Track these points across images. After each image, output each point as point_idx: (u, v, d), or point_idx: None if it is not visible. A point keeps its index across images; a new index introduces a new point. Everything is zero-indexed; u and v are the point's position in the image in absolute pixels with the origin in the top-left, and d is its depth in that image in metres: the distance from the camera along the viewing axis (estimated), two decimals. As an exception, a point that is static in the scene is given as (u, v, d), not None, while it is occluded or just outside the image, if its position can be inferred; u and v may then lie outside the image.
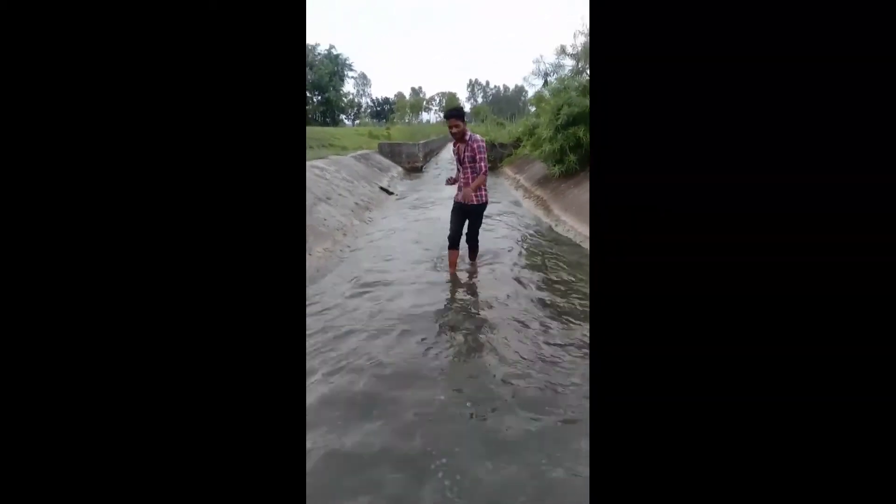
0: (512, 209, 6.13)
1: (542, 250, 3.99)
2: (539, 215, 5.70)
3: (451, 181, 3.43)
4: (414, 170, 11.83)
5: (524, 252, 3.96)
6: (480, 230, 3.53)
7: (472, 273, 3.45)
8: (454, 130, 3.20)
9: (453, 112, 3.23)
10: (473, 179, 3.25)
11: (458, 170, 3.39)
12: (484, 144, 3.30)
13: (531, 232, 4.76)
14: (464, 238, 3.54)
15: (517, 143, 11.03)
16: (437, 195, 7.32)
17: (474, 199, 3.37)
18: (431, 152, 15.16)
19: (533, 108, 11.98)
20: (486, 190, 3.39)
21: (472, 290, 3.08)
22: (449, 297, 2.96)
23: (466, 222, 3.46)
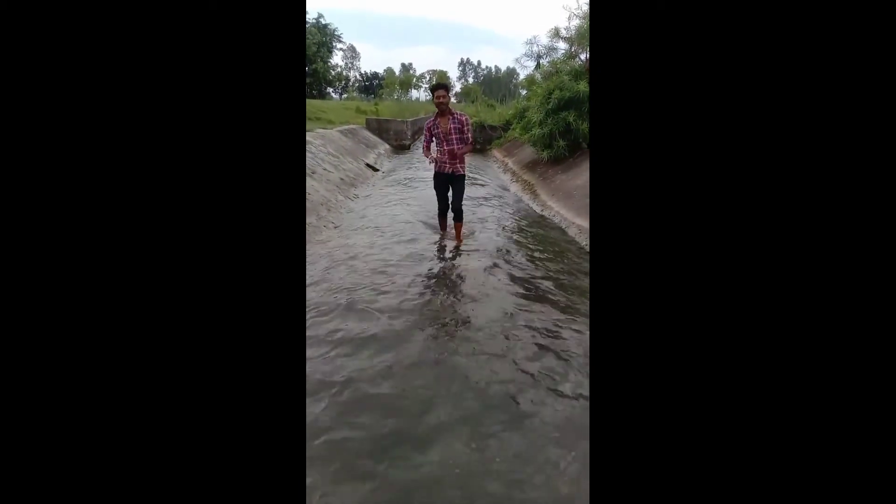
0: (499, 193, 6.13)
1: (525, 234, 4.02)
2: (526, 200, 5.72)
3: (435, 160, 3.54)
4: (401, 147, 11.66)
5: (506, 235, 3.98)
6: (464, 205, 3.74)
7: (457, 242, 3.66)
8: (441, 100, 3.32)
9: (441, 84, 3.36)
10: (459, 152, 3.44)
11: (438, 145, 3.53)
12: (469, 119, 3.48)
13: (518, 214, 4.77)
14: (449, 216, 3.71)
15: (507, 125, 10.95)
16: (426, 174, 7.23)
17: (460, 168, 3.58)
18: (420, 130, 14.91)
19: (524, 91, 11.85)
20: (464, 163, 3.62)
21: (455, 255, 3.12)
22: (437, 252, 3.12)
23: (450, 193, 3.65)
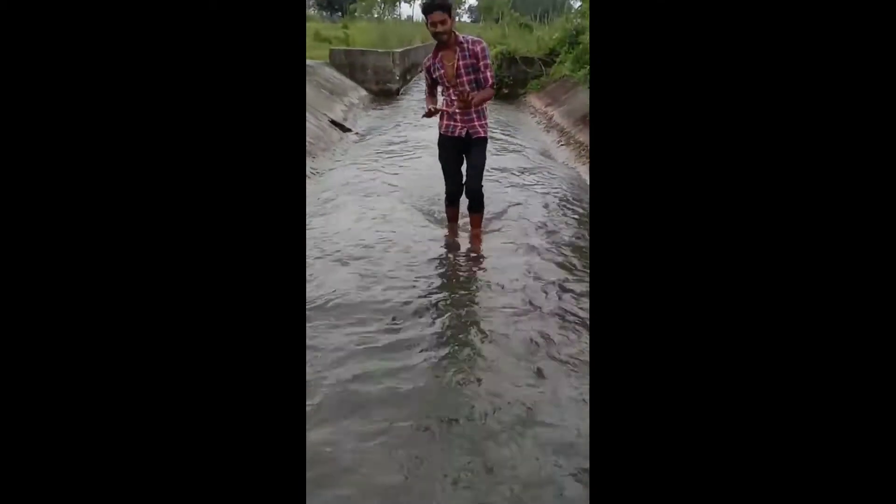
0: (540, 163, 6.05)
1: (585, 230, 3.92)
2: (583, 172, 5.62)
3: (432, 112, 3.33)
4: (385, 93, 11.62)
5: (556, 234, 3.90)
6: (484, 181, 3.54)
7: (475, 252, 3.49)
8: (439, 29, 3.14)
9: (437, 1, 3.10)
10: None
11: (444, 93, 3.40)
12: (487, 47, 3.30)
13: (571, 200, 4.68)
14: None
15: (551, 57, 10.91)
16: (422, 134, 7.18)
17: (479, 127, 3.41)
18: (414, 67, 14.91)
19: (578, 3, 11.82)
20: (486, 118, 3.47)
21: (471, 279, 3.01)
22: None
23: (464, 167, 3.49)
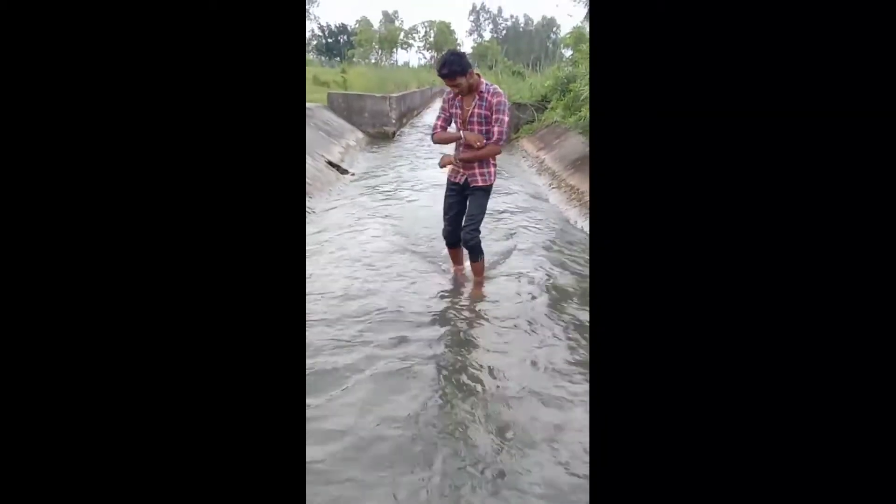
0: (533, 205, 6.17)
1: (578, 274, 4.00)
2: (573, 216, 5.74)
3: (446, 163, 3.37)
4: (382, 136, 11.86)
5: (549, 278, 3.97)
6: (483, 225, 3.51)
7: (475, 301, 3.44)
8: (456, 88, 3.15)
9: (452, 65, 3.05)
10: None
11: (458, 130, 3.34)
12: (506, 101, 3.23)
13: (561, 244, 4.77)
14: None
15: (543, 103, 11.19)
16: (421, 174, 7.33)
17: (477, 175, 3.35)
18: (410, 111, 15.24)
19: (569, 52, 12.19)
20: (495, 166, 3.41)
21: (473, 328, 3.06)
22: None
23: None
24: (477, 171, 3.34)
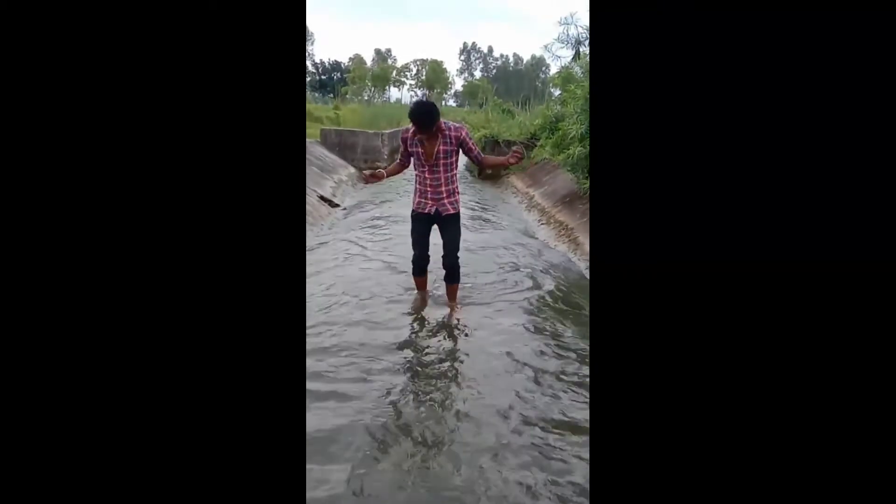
0: (521, 240, 6.22)
1: (567, 305, 4.02)
2: (563, 251, 5.79)
3: (371, 176, 3.58)
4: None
5: (536, 311, 3.98)
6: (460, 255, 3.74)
7: (450, 327, 3.49)
8: (428, 133, 3.37)
9: (424, 114, 3.30)
10: (450, 182, 3.53)
11: (421, 171, 3.57)
12: (468, 131, 3.54)
13: (551, 278, 4.81)
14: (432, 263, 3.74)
15: (532, 141, 11.38)
16: (407, 212, 7.36)
17: (448, 204, 3.60)
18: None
19: (557, 92, 12.42)
20: (457, 194, 3.66)
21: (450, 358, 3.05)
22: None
23: (437, 237, 3.69)
24: (447, 200, 3.58)
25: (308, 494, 1.96)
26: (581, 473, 2.01)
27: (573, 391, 2.68)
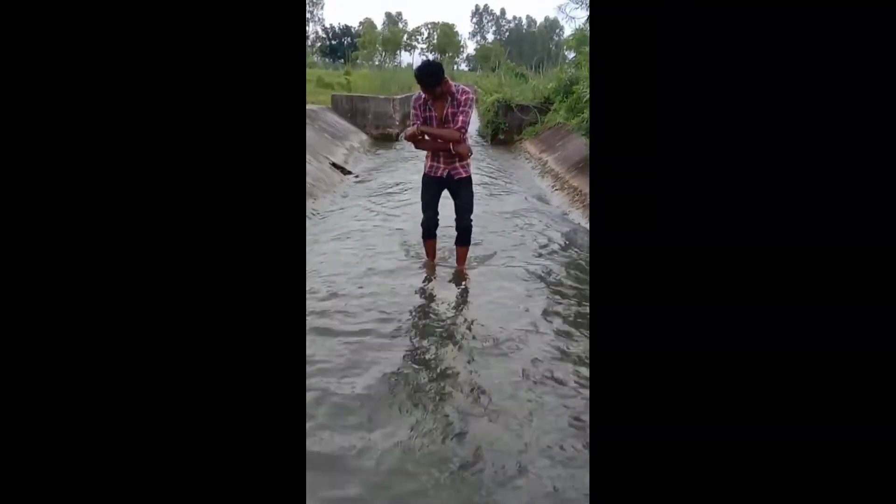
0: (535, 206, 6.18)
1: (582, 272, 4.01)
2: (576, 217, 5.75)
3: (415, 134, 3.54)
4: (386, 137, 11.87)
5: (549, 274, 3.98)
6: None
7: (460, 280, 3.59)
8: (433, 95, 3.36)
9: (428, 74, 3.32)
10: (457, 143, 3.48)
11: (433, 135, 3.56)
12: (474, 97, 3.51)
13: (563, 244, 4.79)
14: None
15: (546, 105, 11.21)
16: (419, 177, 7.31)
17: (460, 168, 3.62)
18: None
19: (571, 55, 12.19)
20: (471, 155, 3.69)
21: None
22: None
23: (446, 200, 3.71)
24: (458, 164, 3.62)
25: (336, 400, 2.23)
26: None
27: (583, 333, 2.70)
